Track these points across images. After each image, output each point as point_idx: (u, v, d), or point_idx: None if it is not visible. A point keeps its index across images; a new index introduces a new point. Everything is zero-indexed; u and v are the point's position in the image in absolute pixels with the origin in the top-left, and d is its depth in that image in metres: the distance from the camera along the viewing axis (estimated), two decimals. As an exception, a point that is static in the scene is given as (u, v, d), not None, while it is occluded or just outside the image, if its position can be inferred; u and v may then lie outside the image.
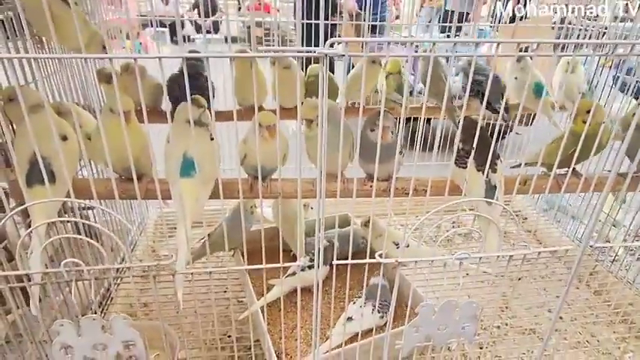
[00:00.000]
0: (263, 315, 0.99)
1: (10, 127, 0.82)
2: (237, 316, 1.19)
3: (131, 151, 0.64)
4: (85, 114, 0.95)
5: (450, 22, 2.05)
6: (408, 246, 1.13)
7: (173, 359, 0.82)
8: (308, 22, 1.38)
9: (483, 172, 0.79)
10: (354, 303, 1.05)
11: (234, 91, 1.16)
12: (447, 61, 1.58)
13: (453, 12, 2.78)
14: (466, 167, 0.75)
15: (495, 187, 0.82)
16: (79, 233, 0.88)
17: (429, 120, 2.42)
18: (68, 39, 0.85)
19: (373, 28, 2.52)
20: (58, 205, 0.70)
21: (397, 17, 4.15)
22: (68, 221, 0.94)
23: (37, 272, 0.60)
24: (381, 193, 0.89)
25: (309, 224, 1.29)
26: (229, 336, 1.13)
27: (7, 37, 0.85)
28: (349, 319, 1.01)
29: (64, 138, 0.75)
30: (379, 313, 1.01)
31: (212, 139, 0.82)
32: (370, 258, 0.72)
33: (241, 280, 1.30)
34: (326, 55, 0.52)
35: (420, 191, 0.86)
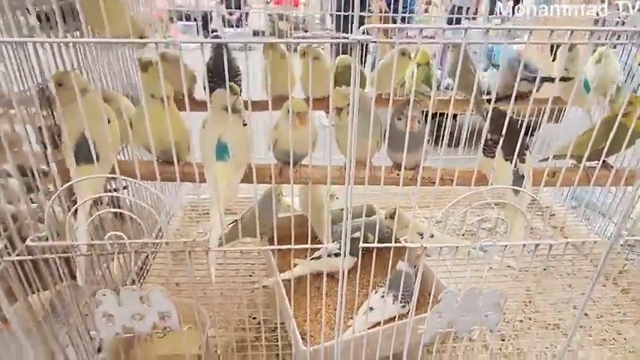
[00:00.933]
0: (290, 300, 1.02)
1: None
2: (264, 299, 1.23)
3: (164, 135, 0.68)
4: (125, 100, 0.99)
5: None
6: (432, 236, 1.14)
7: (204, 334, 0.86)
8: (338, 13, 1.39)
9: (511, 162, 0.79)
10: (376, 292, 1.07)
11: (264, 81, 1.20)
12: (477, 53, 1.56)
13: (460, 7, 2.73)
14: (494, 157, 0.76)
15: (523, 176, 0.82)
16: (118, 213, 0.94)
17: (455, 116, 2.40)
18: (112, 29, 0.89)
19: (402, 22, 2.52)
20: (102, 184, 0.75)
21: (426, 11, 4.09)
22: (109, 202, 1.00)
23: (84, 243, 0.65)
24: (407, 182, 0.90)
25: (334, 213, 1.32)
26: (254, 317, 1.17)
27: (54, 26, 0.91)
28: (371, 308, 1.03)
29: (107, 121, 0.80)
30: (401, 303, 1.02)
31: (245, 124, 0.85)
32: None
33: (268, 265, 1.33)
34: (358, 42, 0.53)
35: (447, 181, 0.86)
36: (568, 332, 1.12)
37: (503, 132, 0.68)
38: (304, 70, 1.17)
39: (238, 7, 1.57)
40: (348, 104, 0.81)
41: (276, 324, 1.11)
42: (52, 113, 0.89)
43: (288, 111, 0.78)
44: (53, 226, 0.68)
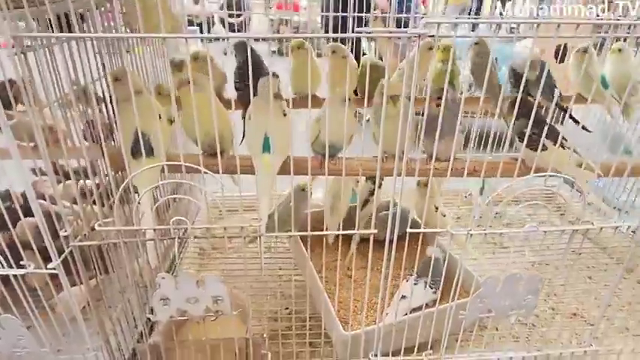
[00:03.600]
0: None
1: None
2: (294, 292, 1.25)
3: (216, 127, 0.72)
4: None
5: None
6: (444, 216, 1.18)
7: (247, 321, 0.89)
8: (335, 14, 1.43)
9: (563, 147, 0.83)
10: (407, 280, 1.10)
11: (291, 80, 1.23)
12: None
13: None
14: (537, 148, 0.79)
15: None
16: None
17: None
18: (155, 27, 0.93)
19: (398, 24, 2.54)
20: (158, 174, 0.78)
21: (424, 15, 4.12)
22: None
23: (151, 228, 0.68)
24: (442, 173, 0.93)
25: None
26: (287, 308, 1.20)
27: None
28: (403, 297, 1.06)
29: (160, 117, 0.83)
30: (432, 289, 1.05)
31: (285, 114, 0.88)
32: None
33: (295, 259, 1.36)
34: (419, 36, 0.57)
35: (485, 172, 0.89)
36: (591, 321, 1.16)
37: (548, 121, 0.71)
38: (332, 68, 1.19)
39: (239, 11, 1.60)
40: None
41: (310, 315, 1.14)
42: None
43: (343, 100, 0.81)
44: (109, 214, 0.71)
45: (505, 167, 0.85)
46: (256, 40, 1.03)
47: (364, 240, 0.81)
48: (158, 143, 0.79)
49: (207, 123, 0.78)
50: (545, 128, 0.74)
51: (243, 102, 1.10)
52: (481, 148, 1.43)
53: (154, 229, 0.70)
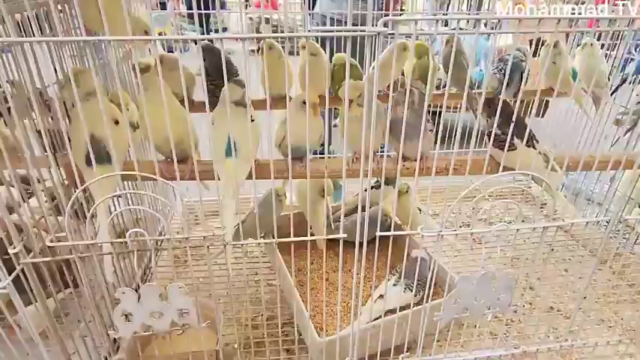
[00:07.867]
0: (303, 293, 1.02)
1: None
2: (270, 297, 1.23)
3: (174, 133, 0.69)
4: (131, 103, 0.99)
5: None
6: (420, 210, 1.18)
7: (219, 331, 0.86)
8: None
9: (534, 147, 0.82)
10: (389, 280, 1.09)
11: (262, 81, 1.20)
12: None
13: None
14: (514, 148, 0.78)
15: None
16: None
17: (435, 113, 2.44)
18: (115, 29, 0.88)
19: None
20: (115, 184, 0.74)
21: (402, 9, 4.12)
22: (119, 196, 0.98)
23: (106, 242, 0.65)
24: (411, 173, 0.91)
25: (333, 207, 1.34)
26: (262, 314, 1.17)
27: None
28: (381, 296, 1.04)
29: (117, 122, 0.79)
30: (411, 290, 1.04)
31: (252, 120, 0.85)
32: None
33: (272, 263, 1.34)
34: (378, 34, 0.55)
35: (456, 170, 0.88)
36: (568, 314, 1.16)
37: (513, 120, 0.70)
38: (302, 66, 1.17)
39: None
40: (359, 96, 0.83)
41: (286, 320, 1.12)
42: (51, 118, 0.88)
43: (303, 102, 0.79)
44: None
45: (474, 164, 0.84)
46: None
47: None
48: (116, 150, 0.75)
49: (164, 129, 0.74)
50: (512, 127, 0.73)
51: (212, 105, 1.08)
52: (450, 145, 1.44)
53: (111, 243, 0.66)
